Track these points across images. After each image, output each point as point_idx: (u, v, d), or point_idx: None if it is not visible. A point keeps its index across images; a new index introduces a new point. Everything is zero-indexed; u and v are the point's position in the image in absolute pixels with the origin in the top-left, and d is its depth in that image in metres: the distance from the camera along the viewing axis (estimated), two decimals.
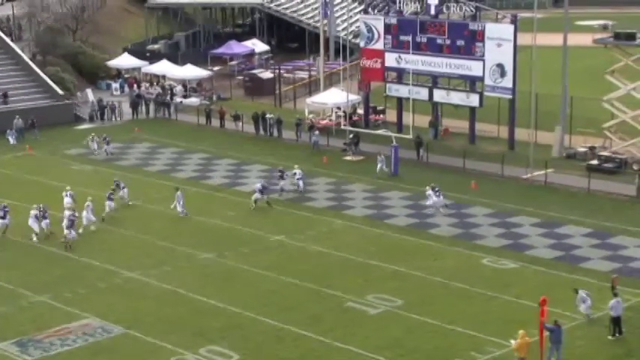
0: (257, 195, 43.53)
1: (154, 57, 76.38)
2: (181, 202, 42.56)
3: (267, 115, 59.32)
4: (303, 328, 30.60)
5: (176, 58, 75.12)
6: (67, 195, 42.65)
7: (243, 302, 32.70)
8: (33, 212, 40.14)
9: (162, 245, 39.06)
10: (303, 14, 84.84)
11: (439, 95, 54.97)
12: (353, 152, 52.54)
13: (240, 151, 55.03)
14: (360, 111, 60.67)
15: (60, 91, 65.33)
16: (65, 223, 39.11)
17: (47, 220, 40.09)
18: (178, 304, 32.87)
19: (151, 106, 65.87)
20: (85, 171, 51.53)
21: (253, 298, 33.14)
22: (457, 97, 54.42)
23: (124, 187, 44.48)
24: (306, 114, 60.70)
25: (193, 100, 67.75)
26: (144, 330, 30.51)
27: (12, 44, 68.73)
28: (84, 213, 40.74)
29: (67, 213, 40.37)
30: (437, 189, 42.72)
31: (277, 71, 70.04)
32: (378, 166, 48.99)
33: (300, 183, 45.99)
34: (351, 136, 53.87)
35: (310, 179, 48.22)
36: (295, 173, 46.20)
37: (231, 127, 60.87)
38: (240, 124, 60.19)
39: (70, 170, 51.48)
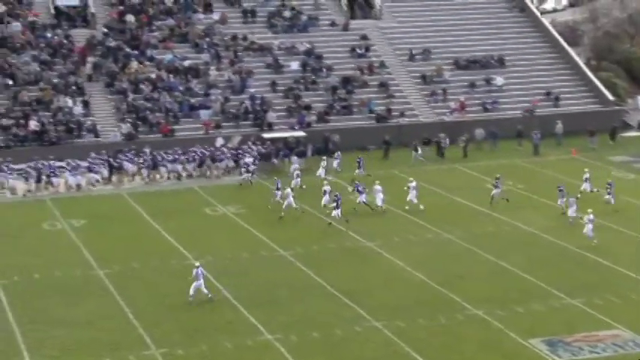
0: None
1: None
2: (574, 207, 41.78)
3: None
4: None
5: None
6: None
7: None
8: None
9: None
10: None
11: None
12: None
13: None
14: None
15: (610, 97, 65.06)
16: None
17: None
18: None
19: None
20: (627, 179, 50.83)
21: None
22: None
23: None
24: None
25: None
26: None
27: (568, 49, 69.94)
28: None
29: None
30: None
31: None
32: None
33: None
34: None
35: None
36: None
37: None
38: None
39: (610, 176, 51.01)
